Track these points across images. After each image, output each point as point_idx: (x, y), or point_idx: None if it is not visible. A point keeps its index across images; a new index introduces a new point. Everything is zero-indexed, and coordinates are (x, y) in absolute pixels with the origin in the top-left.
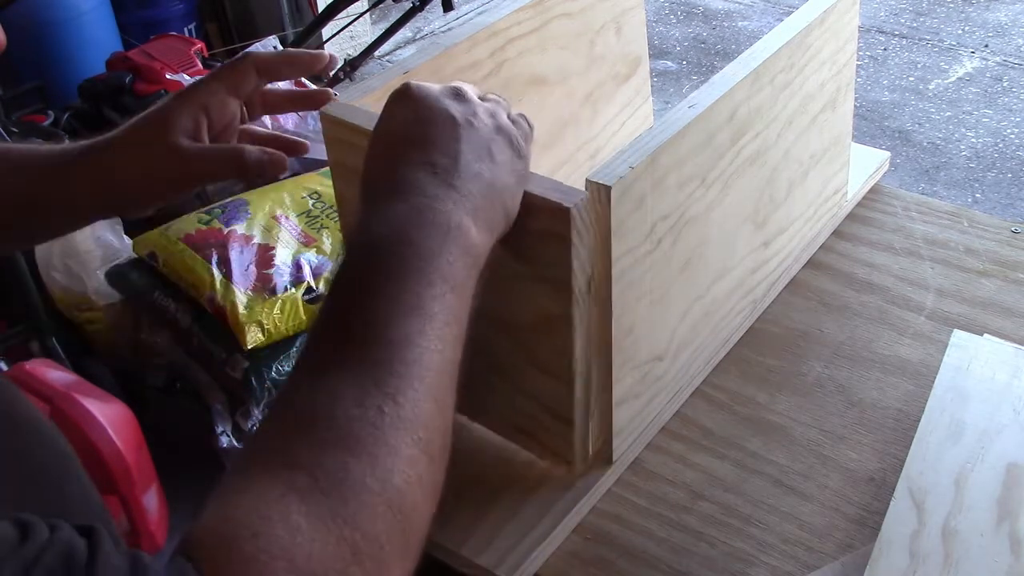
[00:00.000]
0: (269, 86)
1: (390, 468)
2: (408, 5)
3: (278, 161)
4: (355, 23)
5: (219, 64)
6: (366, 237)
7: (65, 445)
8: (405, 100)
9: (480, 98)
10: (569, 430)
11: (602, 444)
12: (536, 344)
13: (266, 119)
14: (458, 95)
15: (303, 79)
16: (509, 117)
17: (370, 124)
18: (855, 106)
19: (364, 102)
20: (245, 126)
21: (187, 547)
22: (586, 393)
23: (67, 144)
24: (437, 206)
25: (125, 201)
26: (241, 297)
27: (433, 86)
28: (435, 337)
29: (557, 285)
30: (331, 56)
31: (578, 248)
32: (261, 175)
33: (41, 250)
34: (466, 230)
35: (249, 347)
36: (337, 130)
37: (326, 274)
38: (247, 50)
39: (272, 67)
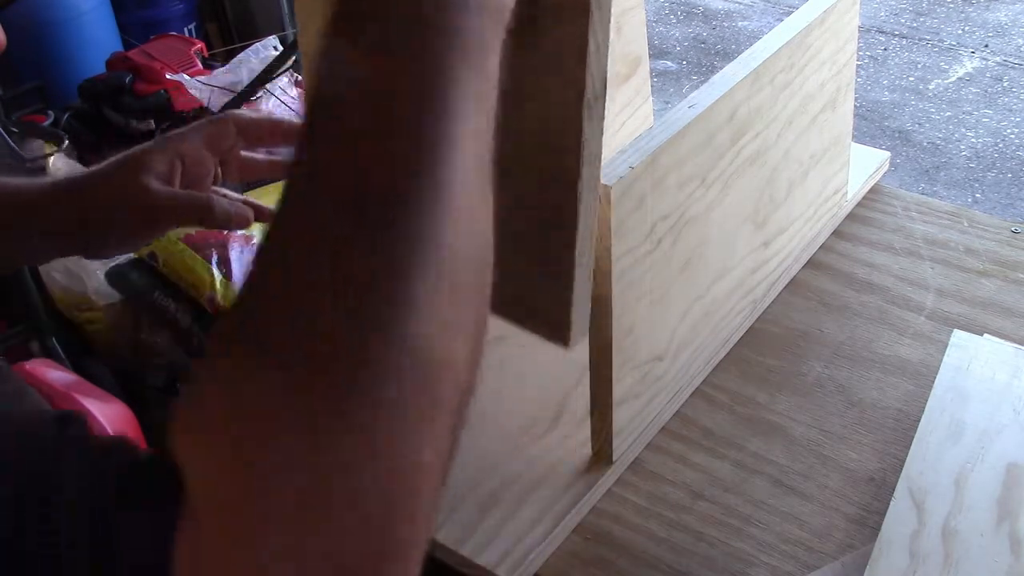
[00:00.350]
0: (250, 153)
1: (399, 313)
2: None
3: (243, 219)
4: None
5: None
6: (418, 56)
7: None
8: None
9: None
10: (566, 289)
11: (602, 444)
12: (530, 176)
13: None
14: None
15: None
16: None
17: None
18: (855, 106)
19: None
20: (217, 187)
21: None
22: (588, 238)
23: (41, 180)
24: (482, 51)
25: (92, 239)
26: None
27: None
28: (458, 135)
29: (565, 83)
30: None
31: (597, 27)
32: (225, 227)
33: None
34: (494, 74)
35: None
36: None
37: None
38: (231, 111)
39: (253, 130)
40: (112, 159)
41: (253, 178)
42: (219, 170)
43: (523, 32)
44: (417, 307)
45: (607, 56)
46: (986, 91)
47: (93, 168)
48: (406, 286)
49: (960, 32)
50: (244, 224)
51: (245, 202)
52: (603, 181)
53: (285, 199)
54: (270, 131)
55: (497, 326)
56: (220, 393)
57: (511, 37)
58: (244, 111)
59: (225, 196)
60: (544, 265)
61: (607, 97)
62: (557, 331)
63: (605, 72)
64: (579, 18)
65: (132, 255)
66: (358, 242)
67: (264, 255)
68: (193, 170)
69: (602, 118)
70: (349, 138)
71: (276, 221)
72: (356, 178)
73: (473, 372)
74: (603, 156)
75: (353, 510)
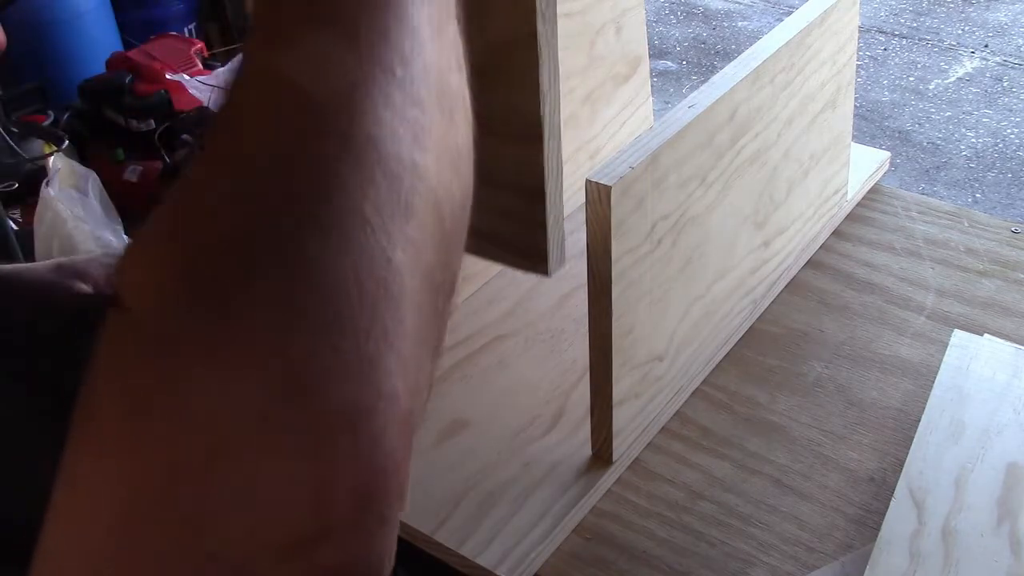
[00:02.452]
0: None
1: (351, 112)
2: None
3: None
4: None
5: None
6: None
7: None
8: None
9: None
10: (540, 210)
11: (602, 444)
12: (487, 92)
13: None
14: None
15: None
16: None
17: None
18: (855, 106)
19: None
20: None
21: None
22: (557, 154)
23: None
24: None
25: None
26: None
27: None
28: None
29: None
30: None
31: None
32: None
33: (40, 250)
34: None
35: None
36: None
37: None
38: None
39: None
40: (51, 261)
41: None
42: None
43: None
44: (368, 100)
45: None
46: (986, 91)
47: (28, 264)
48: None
49: (960, 32)
50: None
51: None
52: (603, 181)
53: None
54: None
55: (497, 326)
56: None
57: None
58: None
59: None
60: (516, 190)
61: (607, 97)
62: (535, 260)
63: None
64: None
65: None
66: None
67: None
68: None
69: (556, 26)
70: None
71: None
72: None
73: (459, 191)
74: (603, 156)
75: (314, 309)
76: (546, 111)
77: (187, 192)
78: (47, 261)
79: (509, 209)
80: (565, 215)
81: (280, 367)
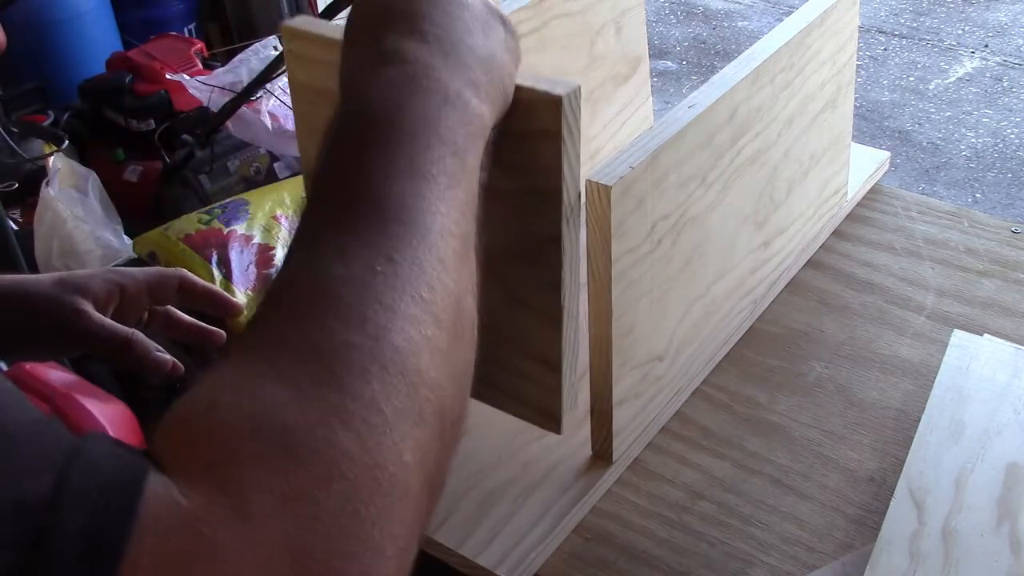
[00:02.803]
0: (175, 312)
1: (384, 326)
2: None
3: (160, 367)
4: None
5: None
6: (353, 104)
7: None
8: None
9: None
10: (555, 377)
11: (602, 444)
12: (518, 275)
13: (266, 118)
14: None
15: None
16: None
17: (338, 35)
18: (855, 106)
19: None
20: (170, 309)
21: (151, 442)
22: (574, 335)
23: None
24: (432, 73)
25: (10, 343)
26: (241, 297)
27: None
28: (436, 199)
29: (544, 197)
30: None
31: (569, 149)
32: (139, 370)
33: (40, 250)
34: (466, 100)
35: None
36: (300, 45)
37: None
38: (182, 271)
39: (194, 295)
40: (54, 275)
41: (174, 336)
42: (146, 315)
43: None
44: (399, 319)
45: (579, 168)
46: (986, 91)
47: (32, 276)
48: (391, 299)
49: (960, 32)
50: (160, 371)
51: (196, 328)
52: (603, 181)
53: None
54: (211, 302)
55: None
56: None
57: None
58: (195, 277)
59: (179, 320)
60: (537, 360)
61: (607, 97)
62: (549, 421)
63: (579, 183)
64: (551, 143)
65: (132, 254)
66: (350, 258)
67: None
68: (126, 307)
69: (579, 225)
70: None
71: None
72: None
73: (460, 405)
74: (603, 156)
75: (328, 496)
76: (566, 299)
77: (230, 374)
78: (50, 274)
79: (530, 374)
80: None
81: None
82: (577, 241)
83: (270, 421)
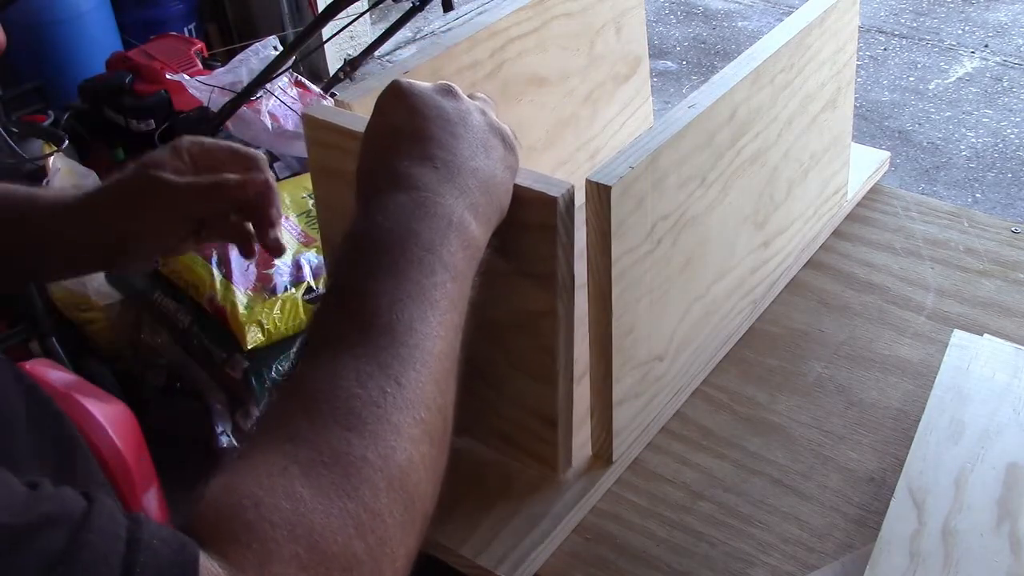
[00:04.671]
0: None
1: (392, 445)
2: (408, 5)
3: (265, 193)
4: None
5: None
6: (367, 225)
7: (72, 426)
8: (399, 97)
9: (469, 96)
10: (553, 432)
11: (602, 444)
12: (517, 344)
13: (266, 118)
14: (449, 92)
15: (305, 81)
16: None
17: (353, 126)
18: (855, 106)
19: (364, 102)
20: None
21: (190, 521)
22: (568, 393)
23: (65, 191)
24: (439, 199)
25: (122, 247)
26: (241, 297)
27: (424, 84)
28: (437, 324)
29: (542, 280)
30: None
31: (563, 239)
32: (243, 198)
33: None
34: (467, 223)
35: (249, 347)
36: (320, 132)
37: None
38: (185, 137)
39: (209, 155)
40: (125, 170)
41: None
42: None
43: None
44: (403, 439)
45: (573, 253)
46: (986, 91)
47: (108, 180)
48: (398, 419)
49: (960, 32)
50: (268, 201)
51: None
52: (603, 181)
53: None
54: (230, 159)
55: None
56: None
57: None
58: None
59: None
60: (536, 415)
61: (607, 97)
62: (548, 468)
63: (572, 266)
64: (548, 235)
65: None
66: (361, 377)
67: (286, 385)
68: (202, 162)
69: (572, 300)
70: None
71: (300, 359)
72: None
73: (434, 503)
74: (603, 156)
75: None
76: (561, 365)
77: (262, 466)
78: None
79: (529, 427)
80: None
81: None
82: (571, 312)
83: (303, 524)
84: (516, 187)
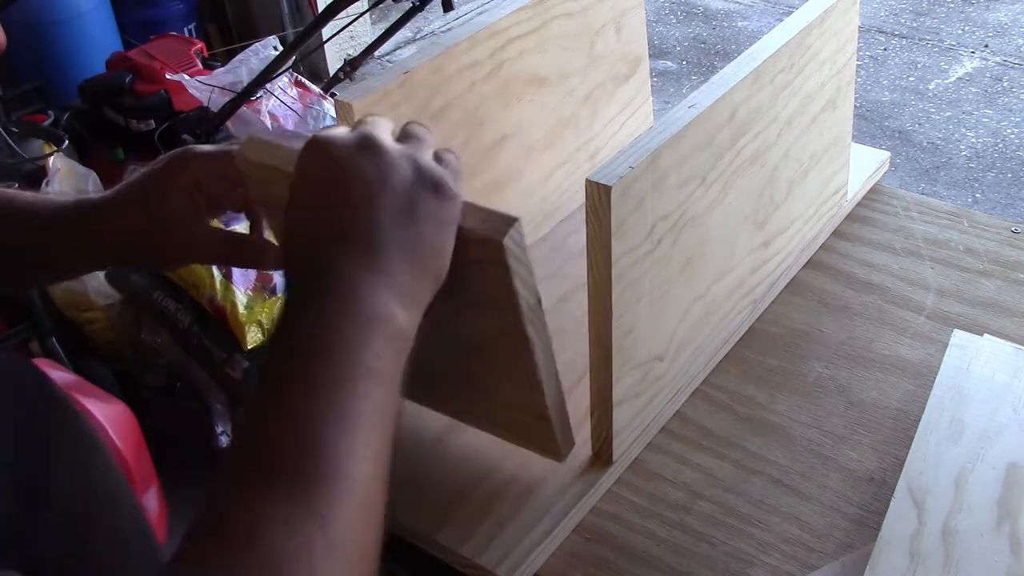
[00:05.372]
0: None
1: None
2: (408, 5)
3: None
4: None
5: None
6: (286, 334)
7: (91, 425)
8: (314, 157)
9: (400, 137)
10: (548, 426)
11: (602, 444)
12: (499, 361)
13: (266, 118)
14: (369, 147)
15: (305, 81)
16: (436, 155)
17: (289, 164)
18: (855, 106)
19: (364, 102)
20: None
21: None
22: (558, 391)
23: (68, 199)
24: (359, 292)
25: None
26: (241, 297)
27: (342, 137)
28: (362, 443)
29: (505, 308)
30: None
31: (518, 272)
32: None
33: None
34: (391, 317)
35: (249, 347)
36: (256, 171)
37: None
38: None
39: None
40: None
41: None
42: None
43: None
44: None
45: (534, 277)
46: (986, 91)
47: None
48: (327, 568)
49: (960, 32)
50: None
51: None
52: (603, 181)
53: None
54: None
55: None
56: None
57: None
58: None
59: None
60: (532, 415)
61: (607, 97)
62: (551, 454)
63: (535, 290)
64: (502, 271)
65: None
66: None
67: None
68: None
69: (543, 317)
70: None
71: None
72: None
73: None
74: (603, 156)
75: None
76: (542, 374)
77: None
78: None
79: (524, 422)
80: (566, 215)
81: None
82: (544, 329)
83: None
84: (459, 229)
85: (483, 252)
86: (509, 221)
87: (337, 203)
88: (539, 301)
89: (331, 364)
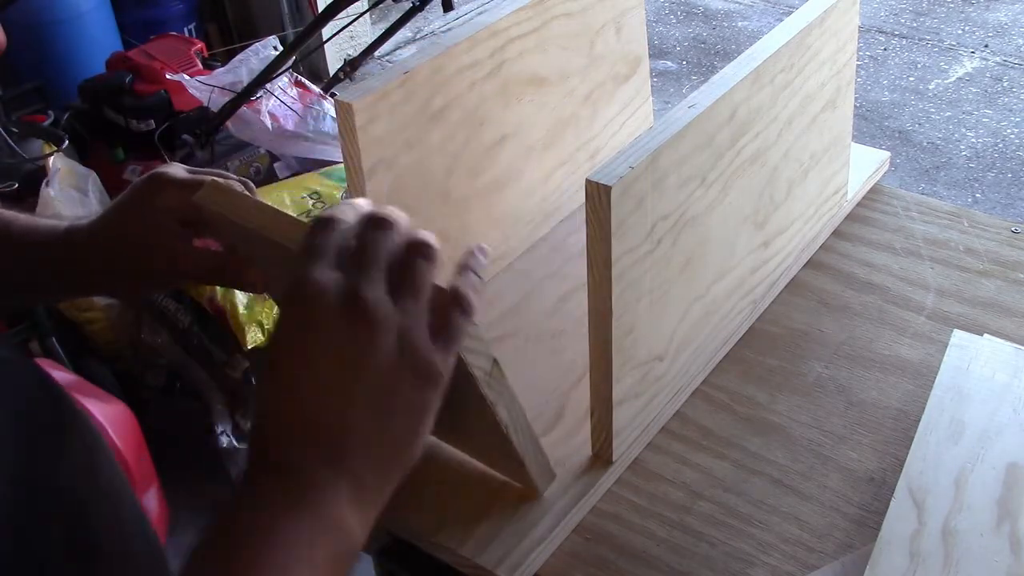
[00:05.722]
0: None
1: None
2: (408, 5)
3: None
4: (355, 23)
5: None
6: (235, 516)
7: (93, 425)
8: (294, 310)
9: (399, 279)
10: (523, 468)
11: (602, 444)
12: (471, 417)
13: (266, 118)
14: (354, 310)
15: (305, 81)
16: (441, 315)
17: (249, 219)
18: (855, 106)
19: (364, 102)
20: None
21: None
22: (529, 437)
23: (60, 225)
24: (314, 495)
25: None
26: (241, 297)
27: (326, 288)
28: None
29: (461, 378)
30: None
31: (467, 346)
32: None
33: None
34: (342, 523)
35: (249, 347)
36: (217, 219)
37: None
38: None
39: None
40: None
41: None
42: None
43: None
44: None
45: (486, 345)
46: (986, 91)
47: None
48: None
49: (960, 32)
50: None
51: None
52: (603, 181)
53: None
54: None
55: (497, 326)
56: None
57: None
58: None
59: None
60: (508, 457)
61: (607, 97)
62: (530, 489)
63: (488, 355)
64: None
65: None
66: None
67: None
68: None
69: (502, 376)
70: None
71: None
72: None
73: None
74: (603, 156)
75: None
76: (511, 429)
77: None
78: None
79: (505, 463)
80: (566, 215)
81: None
82: (506, 387)
83: None
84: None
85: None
86: (488, 357)
87: (307, 381)
88: (494, 362)
89: (269, 559)
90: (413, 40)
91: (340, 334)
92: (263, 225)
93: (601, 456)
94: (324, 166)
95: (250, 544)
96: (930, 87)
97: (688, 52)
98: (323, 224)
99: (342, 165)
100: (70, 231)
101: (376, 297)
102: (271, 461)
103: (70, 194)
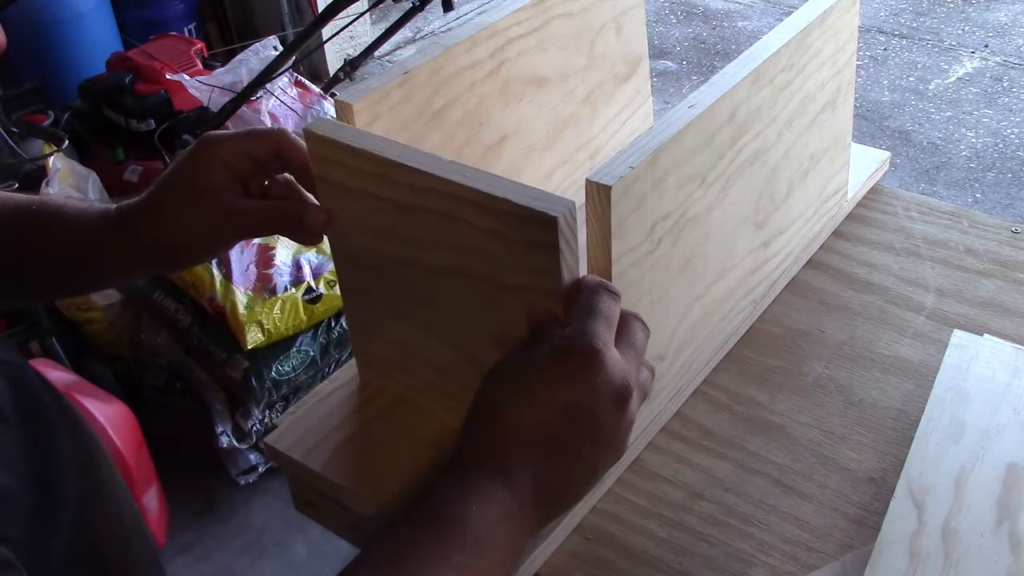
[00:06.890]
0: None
1: None
2: (408, 5)
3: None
4: (355, 23)
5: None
6: (432, 501)
7: (89, 426)
8: (586, 375)
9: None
10: None
11: None
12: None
13: (267, 118)
14: (624, 402)
15: (305, 81)
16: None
17: (353, 141)
18: (855, 106)
19: (364, 102)
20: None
21: None
22: None
23: (106, 207)
24: (513, 524)
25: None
26: (241, 297)
27: (618, 368)
28: None
29: (547, 293)
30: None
31: (566, 256)
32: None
33: None
34: (523, 550)
35: (249, 347)
36: (322, 147)
37: (326, 274)
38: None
39: (289, 165)
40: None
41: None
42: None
43: None
44: None
45: (578, 269)
46: (986, 91)
47: (152, 196)
48: None
49: (960, 32)
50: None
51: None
52: (603, 181)
53: None
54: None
55: None
56: None
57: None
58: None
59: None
60: None
61: (607, 97)
62: None
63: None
64: (550, 254)
65: None
66: None
67: None
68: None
69: None
70: None
71: None
72: None
73: None
74: (603, 156)
75: None
76: None
77: None
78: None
79: None
80: None
81: None
82: None
83: None
84: (514, 205)
85: (534, 232)
86: (564, 203)
87: (564, 444)
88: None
89: (463, 551)
90: (413, 40)
91: (609, 416)
92: (400, 154)
93: None
94: None
95: (460, 541)
96: (930, 87)
97: (688, 52)
98: (609, 294)
99: None
100: (121, 207)
101: (643, 398)
102: (498, 466)
103: (70, 194)
